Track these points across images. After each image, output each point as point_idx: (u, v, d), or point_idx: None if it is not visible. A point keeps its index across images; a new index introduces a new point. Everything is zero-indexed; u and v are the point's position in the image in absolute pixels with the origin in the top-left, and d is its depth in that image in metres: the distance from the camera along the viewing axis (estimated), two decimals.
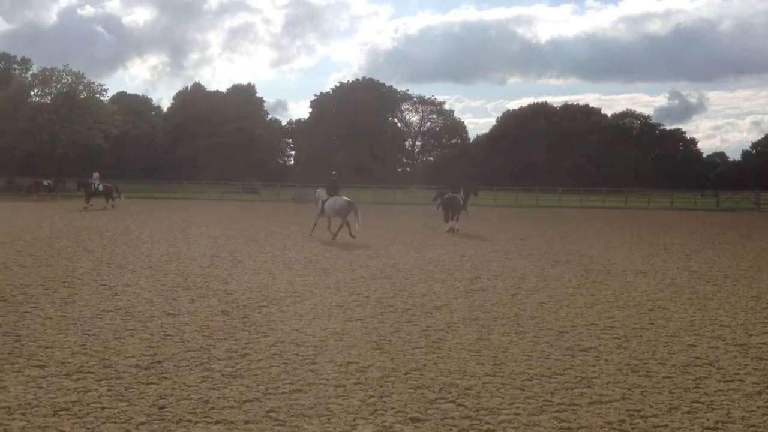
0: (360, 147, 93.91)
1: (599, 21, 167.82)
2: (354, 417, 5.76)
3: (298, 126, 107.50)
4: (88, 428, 5.37)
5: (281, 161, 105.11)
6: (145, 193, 55.26)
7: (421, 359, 7.52)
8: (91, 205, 35.51)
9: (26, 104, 65.72)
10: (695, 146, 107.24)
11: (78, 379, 6.54)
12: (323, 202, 21.57)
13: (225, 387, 6.43)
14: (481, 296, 11.48)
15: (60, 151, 65.95)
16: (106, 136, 67.88)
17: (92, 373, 6.75)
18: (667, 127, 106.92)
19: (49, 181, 48.03)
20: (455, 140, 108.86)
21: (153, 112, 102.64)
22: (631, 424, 5.74)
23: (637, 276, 14.34)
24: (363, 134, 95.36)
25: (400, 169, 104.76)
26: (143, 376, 6.70)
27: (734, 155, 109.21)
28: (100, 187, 37.10)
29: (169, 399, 6.07)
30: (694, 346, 8.40)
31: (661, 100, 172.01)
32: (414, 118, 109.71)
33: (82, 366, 6.96)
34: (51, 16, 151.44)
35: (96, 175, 38.21)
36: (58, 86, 67.56)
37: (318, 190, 23.10)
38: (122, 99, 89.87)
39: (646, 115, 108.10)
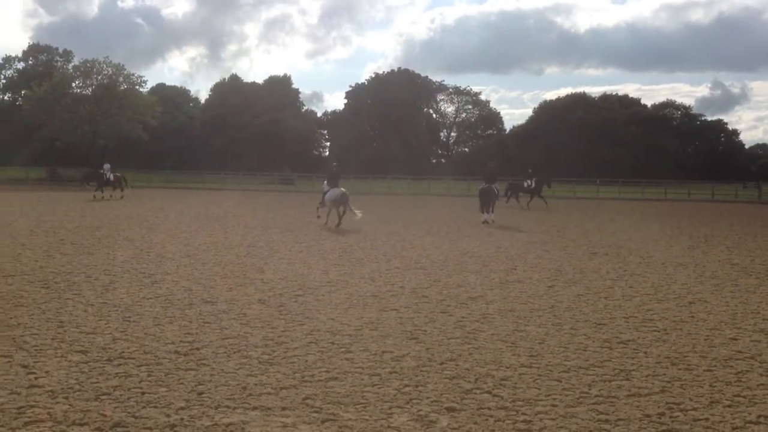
0: (395, 138, 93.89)
1: (639, 10, 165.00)
2: (389, 405, 5.78)
3: (333, 117, 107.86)
4: (128, 412, 5.47)
5: (316, 152, 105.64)
6: (183, 184, 56.05)
7: (456, 349, 7.50)
8: (102, 197, 35.62)
9: (68, 96, 67.09)
10: (737, 137, 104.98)
11: (119, 365, 6.67)
12: (324, 194, 22.48)
13: (262, 374, 6.50)
14: (517, 287, 11.40)
15: (101, 142, 67.23)
16: (145, 128, 68.96)
17: (133, 358, 6.88)
18: (709, 118, 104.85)
19: (113, 175, 49.52)
20: (491, 131, 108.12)
21: (191, 104, 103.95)
22: (670, 417, 5.66)
23: (677, 268, 14.09)
24: (398, 125, 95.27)
25: (434, 161, 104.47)
26: (182, 362, 6.81)
27: None
28: (111, 178, 37.66)
29: (208, 385, 6.15)
30: (736, 339, 8.24)
31: (703, 90, 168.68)
32: (449, 109, 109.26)
33: (123, 352, 7.10)
34: (92, 9, 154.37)
35: (107, 166, 38.68)
36: (99, 78, 68.85)
37: (325, 182, 23.54)
38: (161, 90, 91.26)
39: (687, 105, 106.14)
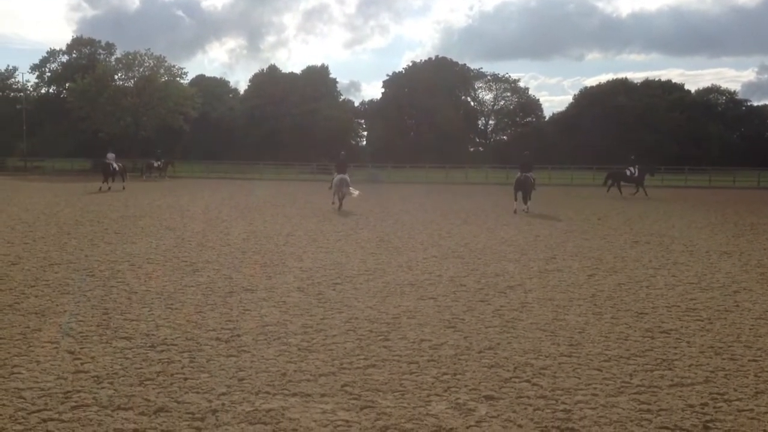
0: (432, 126, 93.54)
1: None
2: (428, 393, 5.79)
3: (370, 106, 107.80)
4: (171, 397, 5.58)
5: (354, 142, 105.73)
6: (223, 174, 56.70)
7: (494, 338, 7.47)
8: (109, 187, 33.28)
9: (110, 88, 68.29)
10: None
11: (162, 351, 6.80)
12: (332, 180, 25.62)
13: (301, 361, 6.56)
14: (557, 276, 11.29)
15: (143, 133, 68.40)
16: (186, 118, 69.94)
17: (175, 345, 7.01)
18: (755, 103, 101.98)
19: (159, 162, 50.84)
20: (530, 118, 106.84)
21: (230, 95, 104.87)
22: (714, 407, 5.56)
23: (722, 257, 13.79)
24: (435, 114, 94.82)
25: (472, 149, 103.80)
26: (223, 348, 6.91)
27: None
28: (117, 168, 35.47)
29: (248, 371, 6.24)
30: None
31: (750, 75, 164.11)
32: (487, 97, 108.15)
33: (166, 338, 7.24)
34: (134, 2, 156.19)
35: (111, 155, 35.99)
36: (141, 70, 69.95)
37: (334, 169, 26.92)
38: (201, 82, 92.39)
39: (732, 90, 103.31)
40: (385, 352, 6.91)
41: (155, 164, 50.72)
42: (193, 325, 7.80)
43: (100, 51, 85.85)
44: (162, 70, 70.37)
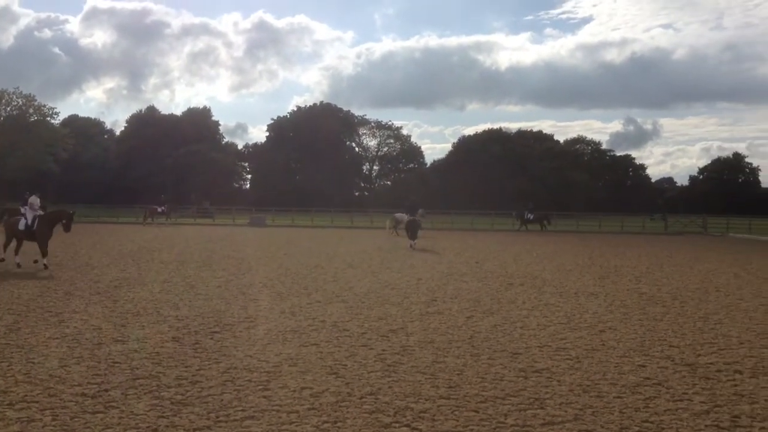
0: (317, 171, 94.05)
1: (557, 49, 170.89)
2: None
3: (254, 149, 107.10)
4: None
5: (237, 185, 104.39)
6: (95, 218, 54.08)
7: (376, 383, 7.48)
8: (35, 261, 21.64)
9: None
10: (644, 172, 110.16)
11: (21, 409, 6.32)
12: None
13: (174, 415, 6.28)
14: (437, 319, 11.51)
15: (8, 175, 64.45)
16: (56, 160, 66.69)
17: (36, 402, 6.54)
18: (618, 153, 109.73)
19: (163, 207, 49.63)
20: (412, 165, 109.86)
21: (105, 136, 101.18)
22: None
23: (589, 298, 14.55)
24: (320, 158, 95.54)
25: (357, 193, 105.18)
26: (89, 405, 6.51)
27: (684, 180, 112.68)
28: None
29: (116, 428, 5.90)
30: (644, 366, 8.54)
31: (616, 126, 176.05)
32: (371, 143, 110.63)
33: (26, 395, 6.74)
34: (8, 38, 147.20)
35: (36, 200, 23.75)
36: (8, 109, 66.32)
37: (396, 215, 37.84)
38: (74, 122, 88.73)
39: (597, 141, 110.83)
40: (265, 402, 6.75)
41: (159, 209, 49.21)
42: (57, 380, 7.31)
43: None
44: (31, 110, 67.08)
